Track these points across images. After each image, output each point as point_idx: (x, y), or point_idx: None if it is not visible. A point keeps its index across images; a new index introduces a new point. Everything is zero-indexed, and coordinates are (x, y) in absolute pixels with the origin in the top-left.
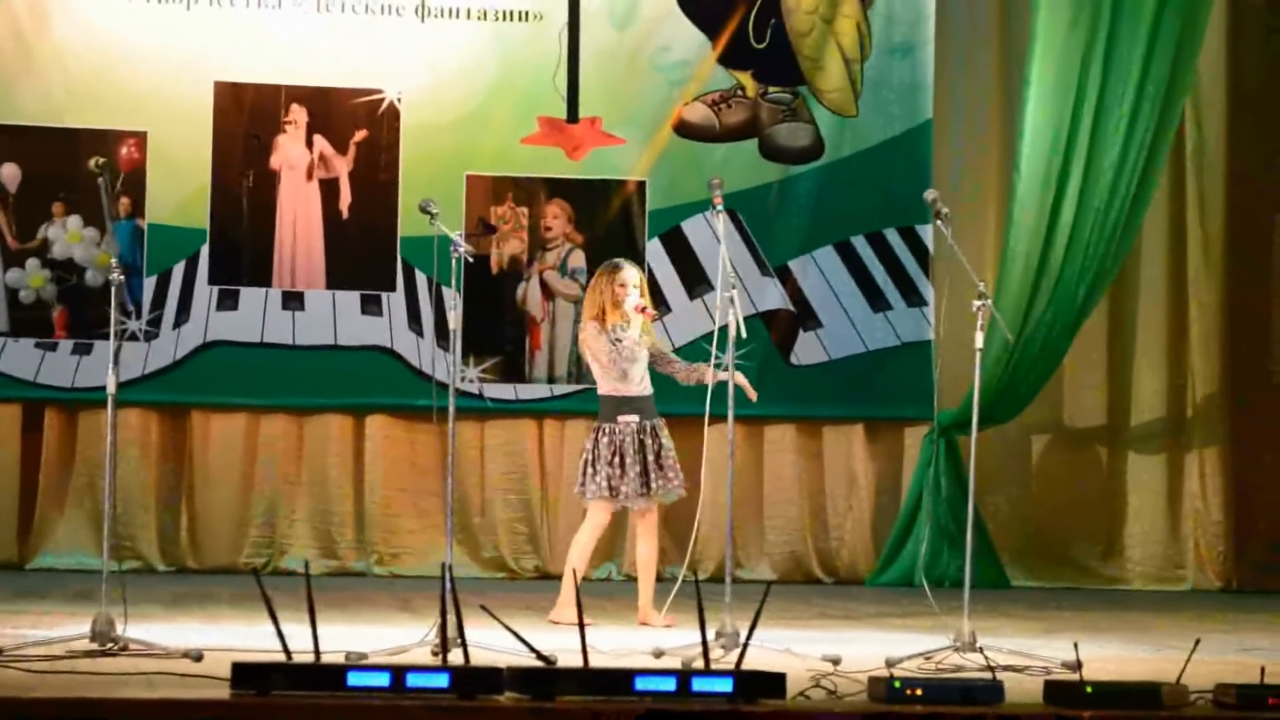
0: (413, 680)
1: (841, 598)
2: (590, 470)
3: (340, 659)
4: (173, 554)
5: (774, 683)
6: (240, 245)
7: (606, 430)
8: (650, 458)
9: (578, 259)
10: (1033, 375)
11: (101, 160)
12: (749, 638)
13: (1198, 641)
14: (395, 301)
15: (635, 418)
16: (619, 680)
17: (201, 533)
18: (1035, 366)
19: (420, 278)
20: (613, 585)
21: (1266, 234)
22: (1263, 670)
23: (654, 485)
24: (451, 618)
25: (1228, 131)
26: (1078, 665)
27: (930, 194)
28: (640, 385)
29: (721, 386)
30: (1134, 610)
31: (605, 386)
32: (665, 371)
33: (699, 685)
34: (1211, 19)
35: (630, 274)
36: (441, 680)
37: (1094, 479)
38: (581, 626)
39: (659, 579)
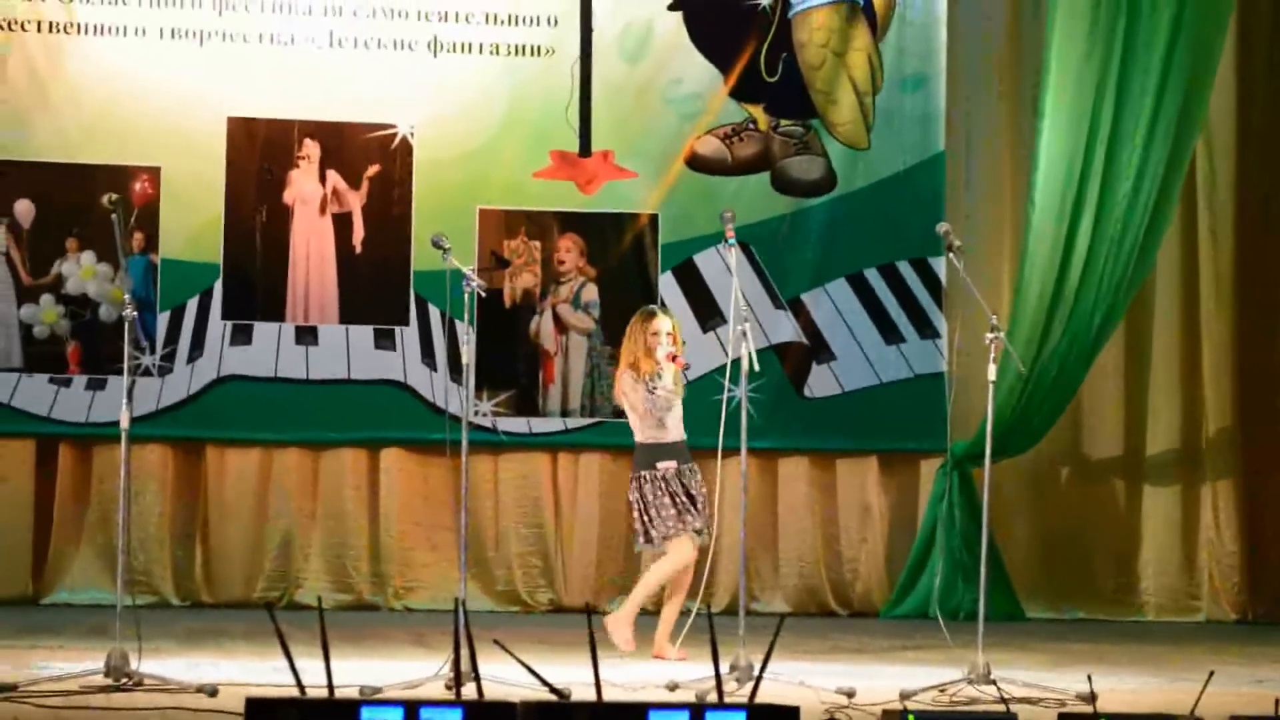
0: (426, 715)
1: (855, 630)
2: (646, 518)
3: (354, 693)
4: (187, 588)
5: (788, 716)
6: (254, 280)
7: (647, 478)
8: (684, 499)
9: (590, 292)
10: (1047, 407)
11: (115, 196)
12: (762, 670)
13: (1211, 673)
14: (409, 336)
15: (673, 463)
16: (632, 714)
17: (216, 567)
18: (1049, 398)
19: (433, 312)
20: None
21: (1276, 267)
22: (1277, 702)
23: (700, 522)
24: (465, 652)
25: (1237, 165)
26: (1092, 697)
27: (942, 226)
28: (675, 431)
29: (734, 419)
30: (1149, 642)
31: (643, 435)
32: None
33: (712, 718)
34: (1224, 48)
35: (663, 323)
36: (455, 716)
37: (1109, 511)
38: (595, 660)
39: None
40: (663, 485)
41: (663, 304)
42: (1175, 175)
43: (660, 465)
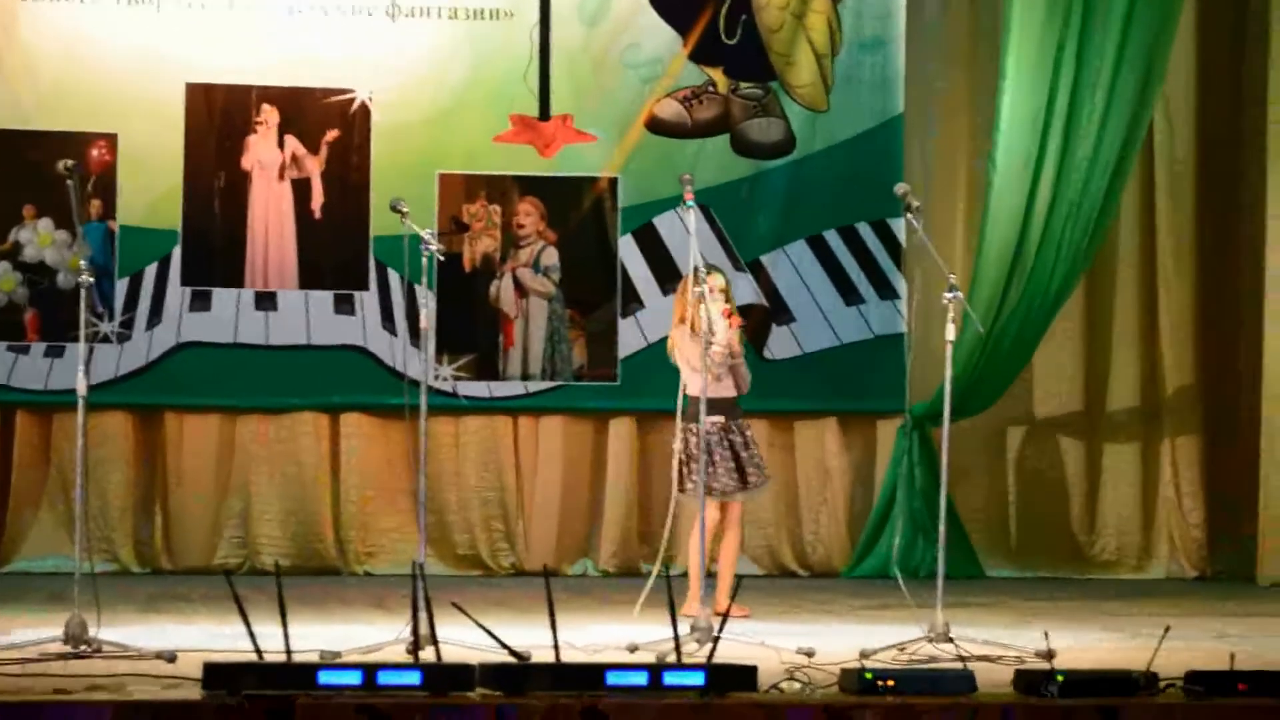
0: (384, 678)
1: (816, 590)
2: (685, 470)
3: (314, 658)
4: (148, 556)
5: (746, 676)
6: (212, 246)
7: (695, 430)
8: (741, 453)
9: (550, 256)
10: (1006, 366)
11: (71, 163)
12: (720, 631)
13: (1168, 628)
14: (368, 301)
15: (721, 418)
16: (590, 675)
17: (176, 534)
18: (1009, 358)
19: (393, 276)
20: (588, 581)
21: (1234, 227)
22: (1232, 656)
23: (749, 479)
24: (424, 616)
25: (1196, 125)
26: (1049, 654)
27: (901, 188)
28: (726, 387)
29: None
30: (1108, 599)
31: (693, 388)
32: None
33: (670, 679)
34: (1183, 13)
35: (715, 279)
36: (413, 678)
37: (1068, 469)
38: (553, 622)
39: (636, 574)
40: (708, 443)
41: (711, 265)
42: (1135, 136)
43: (710, 419)
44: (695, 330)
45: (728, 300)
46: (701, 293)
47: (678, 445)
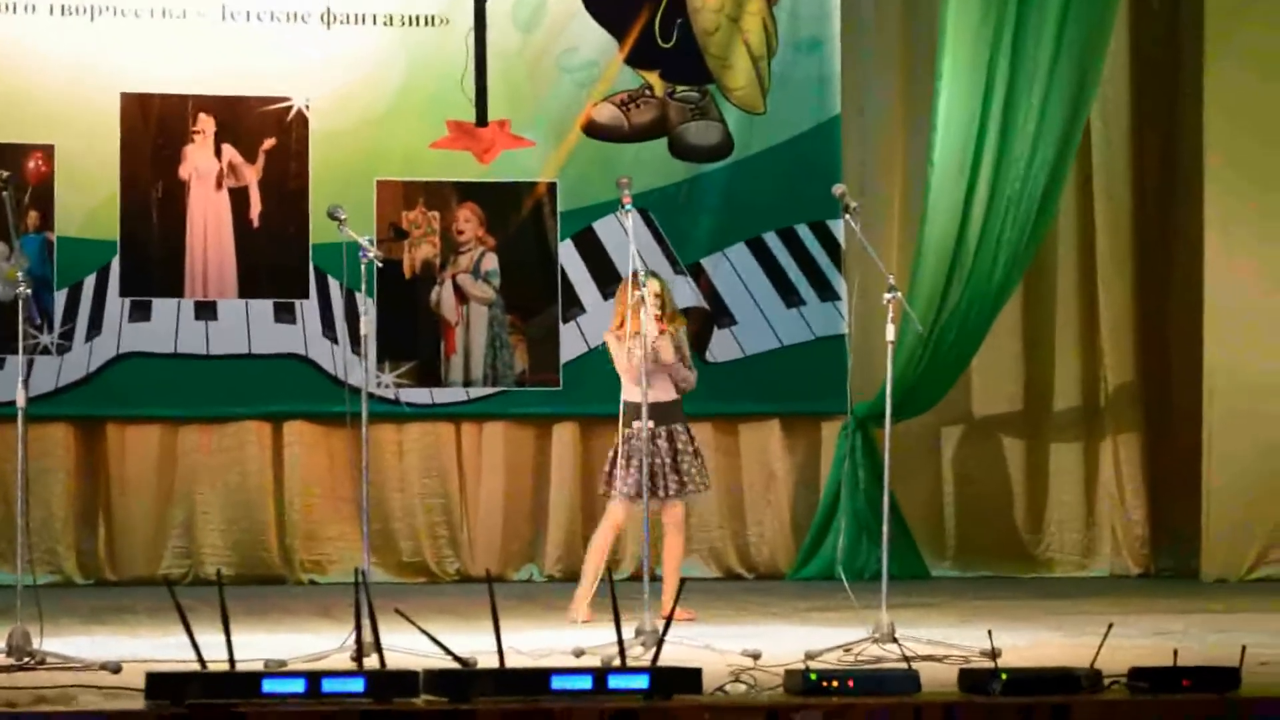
0: (328, 685)
1: (762, 593)
2: (610, 472)
3: (259, 667)
4: (91, 567)
5: (690, 678)
6: (151, 256)
7: (625, 435)
8: (665, 460)
9: (490, 262)
10: (948, 366)
11: (5, 174)
12: (664, 634)
13: (1110, 626)
14: (309, 309)
15: (652, 423)
16: (535, 680)
17: (120, 545)
18: (951, 357)
19: (333, 284)
20: (534, 586)
21: (1172, 225)
22: (1175, 653)
23: (665, 487)
24: (368, 623)
25: (1130, 125)
26: (994, 653)
27: (838, 188)
28: (660, 391)
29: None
30: (1053, 597)
31: (626, 393)
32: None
33: (615, 682)
34: (1118, 12)
35: (651, 285)
36: (357, 685)
37: (1012, 468)
38: (497, 628)
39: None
40: (631, 444)
41: (650, 271)
42: (1072, 135)
43: (636, 424)
44: (622, 336)
45: (664, 305)
46: (641, 297)
47: (613, 449)
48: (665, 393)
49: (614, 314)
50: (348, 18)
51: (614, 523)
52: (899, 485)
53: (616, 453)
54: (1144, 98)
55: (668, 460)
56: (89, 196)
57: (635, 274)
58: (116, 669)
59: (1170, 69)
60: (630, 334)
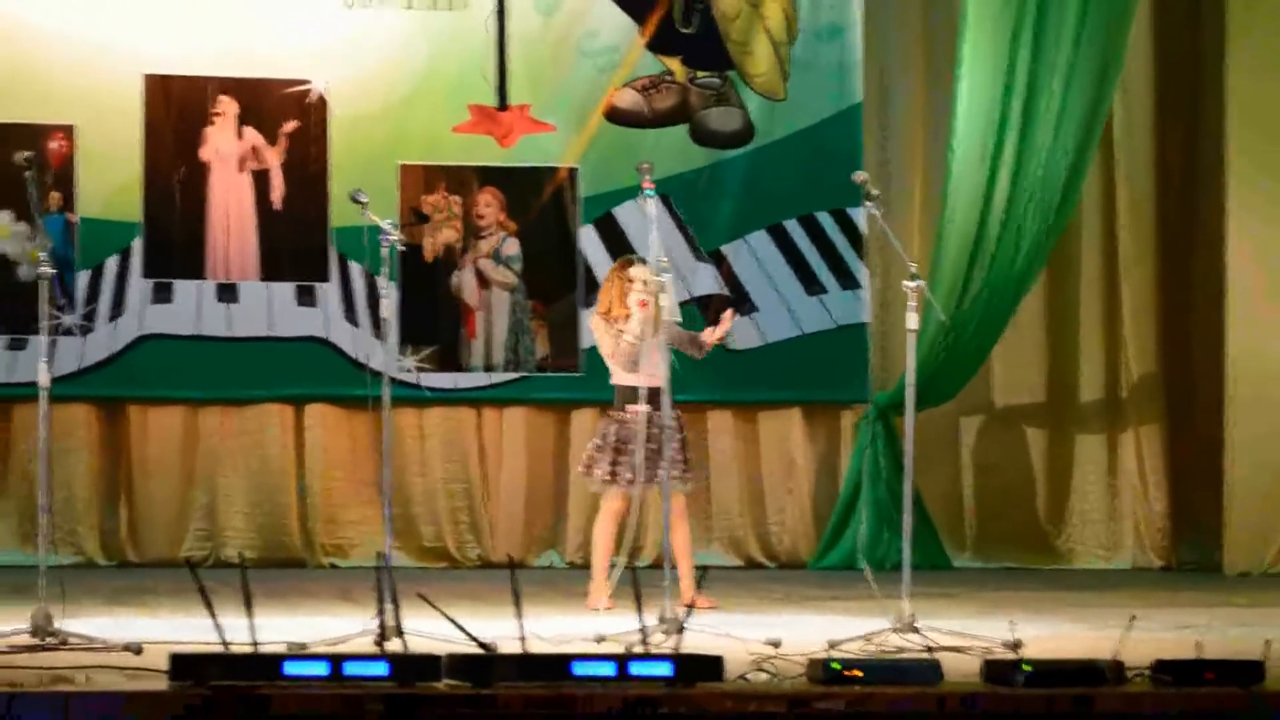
0: (350, 669)
1: (783, 582)
2: (597, 456)
3: (281, 650)
4: (113, 548)
5: (712, 666)
6: (173, 238)
7: (616, 419)
8: (657, 447)
9: (511, 247)
10: (970, 355)
11: (28, 154)
12: (687, 622)
13: (1133, 618)
14: (330, 292)
15: (646, 408)
16: (557, 666)
17: (142, 526)
18: (972, 346)
19: (354, 268)
20: (555, 572)
21: (1195, 212)
22: (1199, 646)
23: (660, 473)
24: (390, 607)
25: (1154, 111)
26: (1016, 644)
27: (859, 176)
28: (651, 377)
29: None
30: (1075, 589)
31: (616, 377)
32: (688, 352)
33: (637, 669)
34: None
35: (638, 270)
36: (380, 668)
37: (1034, 459)
38: (519, 612)
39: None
40: (618, 429)
41: (642, 258)
42: (1093, 124)
43: (631, 408)
44: (610, 319)
45: (651, 292)
46: (663, 283)
47: (598, 432)
48: (658, 378)
49: (599, 298)
50: (369, 1)
51: (615, 511)
52: (921, 475)
53: (605, 440)
54: (1166, 87)
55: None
56: (111, 177)
57: (631, 259)
58: (138, 650)
59: (1193, 58)
60: (614, 319)
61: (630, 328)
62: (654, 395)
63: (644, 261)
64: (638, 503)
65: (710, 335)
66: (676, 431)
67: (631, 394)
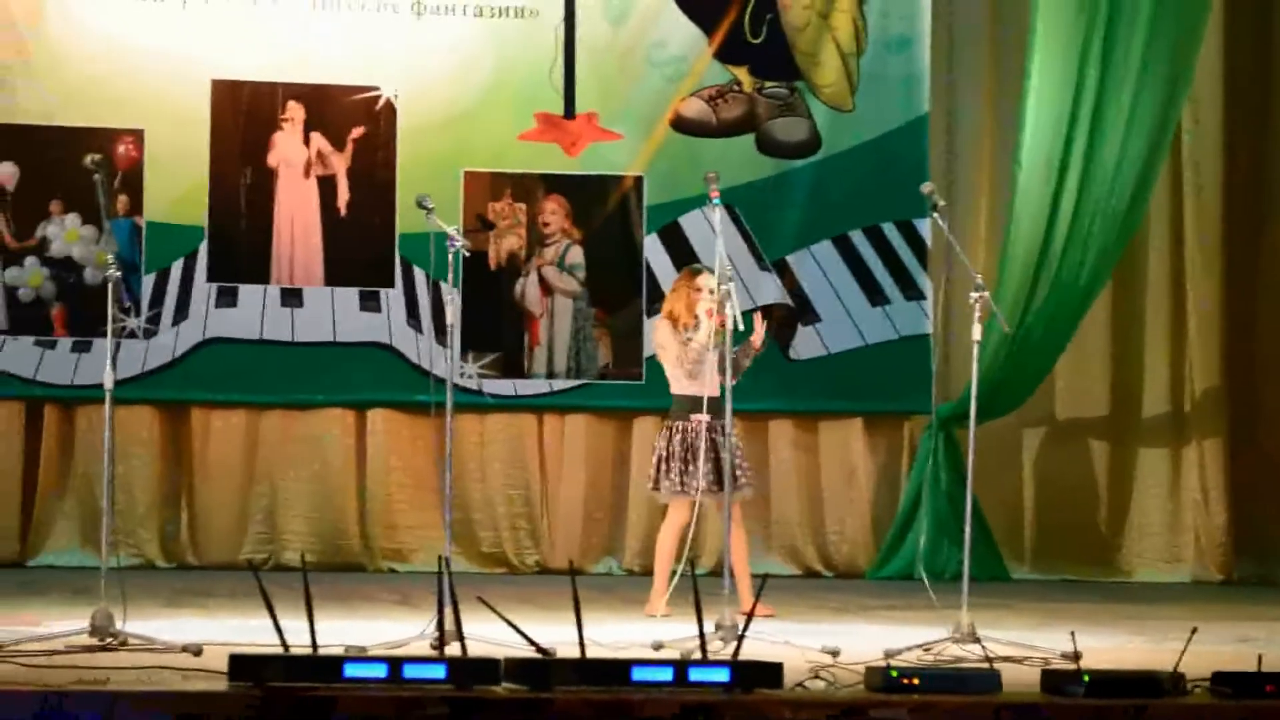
0: (410, 671)
1: (841, 591)
2: (664, 468)
3: (340, 652)
4: (174, 551)
5: (771, 672)
6: (238, 242)
7: (679, 428)
8: (723, 455)
9: (576, 255)
10: (1033, 367)
11: (97, 157)
12: (745, 629)
13: (1194, 630)
14: (394, 298)
15: (707, 417)
16: (616, 671)
17: (202, 529)
18: (1036, 359)
19: (419, 274)
20: (613, 579)
21: (1262, 225)
22: (1260, 659)
23: (721, 482)
24: (449, 610)
25: (1223, 123)
26: (1076, 655)
27: (926, 187)
28: (712, 386)
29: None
30: (1134, 602)
31: (677, 386)
32: (744, 365)
33: (696, 675)
34: (1210, 13)
35: (707, 279)
36: (439, 671)
37: (1095, 471)
38: (579, 617)
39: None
40: (690, 442)
41: (709, 268)
42: (1162, 137)
43: (695, 417)
44: (677, 327)
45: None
46: (728, 290)
47: (660, 442)
48: (715, 388)
49: (665, 306)
50: (438, 8)
51: (681, 521)
52: (982, 487)
53: (670, 450)
54: (1236, 100)
55: (722, 455)
56: (178, 182)
57: (696, 269)
58: (198, 651)
59: (1263, 72)
60: (681, 327)
61: (698, 336)
62: (713, 404)
63: (711, 271)
64: (696, 511)
65: (755, 340)
66: (736, 441)
67: (693, 403)
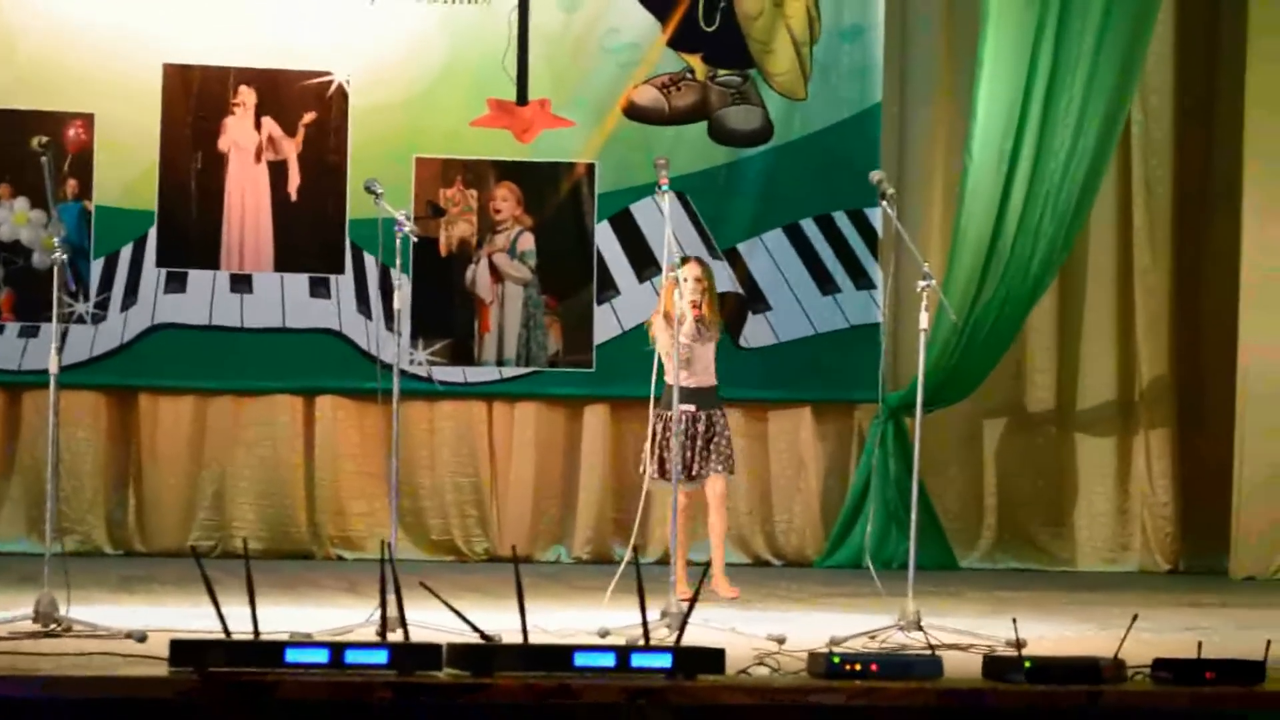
0: (351, 656)
1: (789, 579)
2: (662, 455)
3: (284, 639)
4: (121, 537)
5: (714, 659)
6: (188, 227)
7: (664, 417)
8: (700, 443)
9: (527, 241)
10: (982, 357)
11: (44, 140)
12: (688, 615)
13: (1135, 617)
14: (344, 284)
15: (691, 407)
16: (558, 656)
17: (149, 516)
18: (985, 348)
19: (369, 260)
20: (561, 567)
21: (1211, 218)
22: (1199, 645)
23: (696, 469)
24: (393, 597)
25: (1173, 116)
26: (1019, 643)
27: (875, 175)
28: (700, 376)
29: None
30: (1081, 590)
31: (668, 375)
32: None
33: (638, 661)
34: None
35: (688, 270)
36: (380, 656)
37: (1043, 461)
38: (521, 604)
39: (610, 560)
40: (674, 430)
41: (693, 256)
42: (1113, 126)
43: (680, 407)
44: (669, 319)
45: (706, 291)
46: (675, 278)
47: (651, 430)
48: (707, 378)
49: (660, 298)
50: None
51: (684, 507)
52: (931, 476)
53: (663, 437)
54: (1185, 90)
55: (701, 444)
56: (128, 166)
57: (684, 257)
58: (142, 638)
59: (1212, 62)
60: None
61: (684, 327)
62: (702, 394)
63: (699, 260)
64: (643, 498)
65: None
66: (725, 427)
67: (684, 393)
